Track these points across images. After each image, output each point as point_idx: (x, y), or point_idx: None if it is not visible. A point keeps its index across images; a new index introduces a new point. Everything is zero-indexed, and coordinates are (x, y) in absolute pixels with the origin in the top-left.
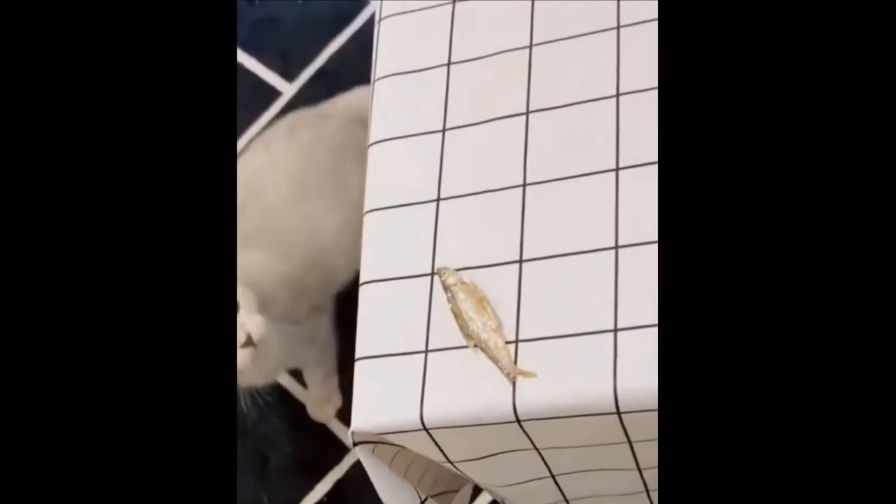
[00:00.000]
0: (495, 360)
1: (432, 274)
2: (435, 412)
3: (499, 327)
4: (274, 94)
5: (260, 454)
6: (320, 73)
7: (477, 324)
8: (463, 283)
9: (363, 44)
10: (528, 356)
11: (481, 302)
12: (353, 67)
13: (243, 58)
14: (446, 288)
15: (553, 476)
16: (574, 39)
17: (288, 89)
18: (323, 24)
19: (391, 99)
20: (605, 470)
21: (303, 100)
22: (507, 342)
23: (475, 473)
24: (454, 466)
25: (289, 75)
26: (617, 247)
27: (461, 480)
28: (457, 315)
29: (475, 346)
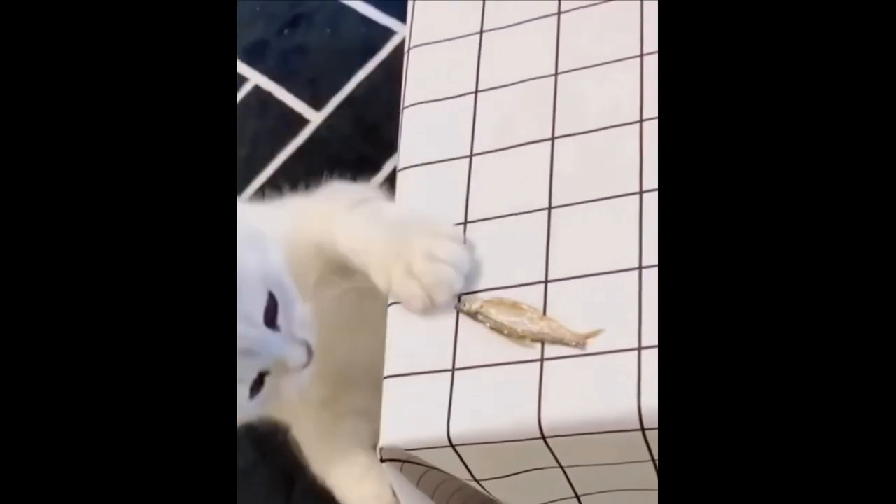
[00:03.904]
0: (560, 341)
1: (459, 295)
2: (461, 429)
3: (542, 315)
4: (302, 122)
5: (287, 477)
6: (348, 101)
7: (524, 323)
8: (487, 300)
9: (390, 72)
10: (553, 373)
11: (515, 304)
12: (381, 95)
13: (272, 87)
14: (473, 315)
15: (577, 496)
16: (598, 67)
17: (315, 117)
18: (350, 53)
19: (420, 126)
20: (630, 490)
21: (327, 128)
22: (534, 360)
23: (500, 492)
24: (480, 485)
25: (316, 104)
26: (641, 267)
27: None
28: (500, 328)
29: (532, 341)
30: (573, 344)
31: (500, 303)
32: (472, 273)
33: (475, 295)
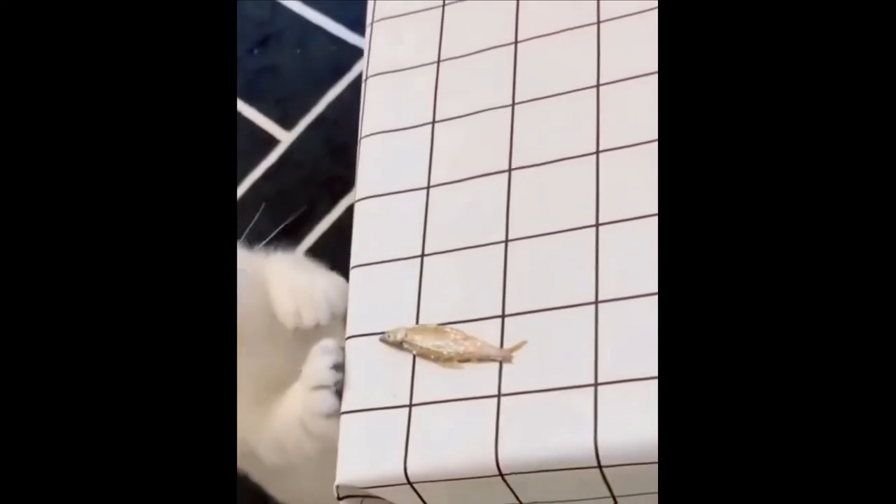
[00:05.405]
0: (486, 358)
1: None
2: (418, 466)
3: (467, 335)
4: (272, 142)
5: (261, 496)
6: (318, 121)
7: (447, 346)
8: (410, 329)
9: (360, 92)
10: (511, 410)
11: (438, 329)
12: (351, 115)
13: (242, 107)
14: (399, 345)
15: None
16: (555, 98)
17: (286, 137)
18: (320, 73)
19: (377, 157)
20: None
21: (298, 148)
22: (492, 396)
23: None
24: None
25: (286, 124)
26: (597, 301)
27: None
28: (427, 354)
29: (459, 362)
30: (499, 359)
31: (423, 330)
32: (429, 306)
33: (398, 326)
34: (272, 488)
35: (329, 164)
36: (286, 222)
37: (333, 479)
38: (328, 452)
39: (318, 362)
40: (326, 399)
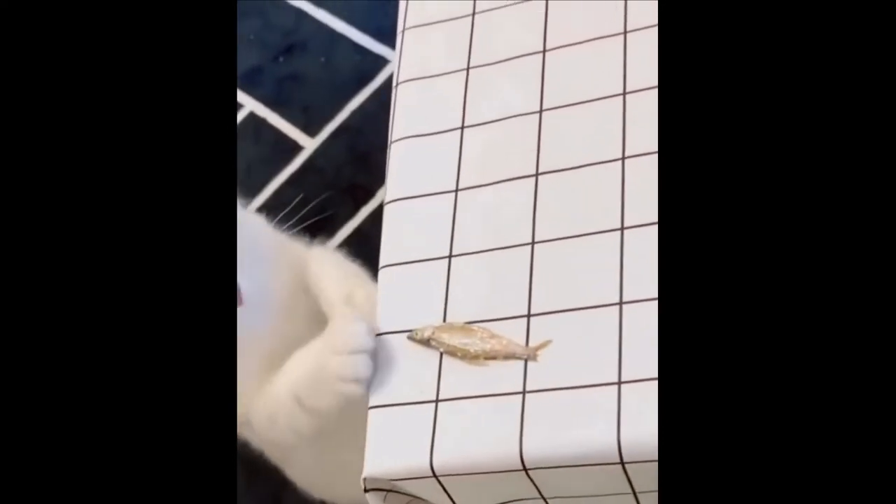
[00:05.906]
0: (511, 356)
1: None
2: (444, 460)
3: (493, 333)
4: (296, 148)
5: (274, 497)
6: (342, 128)
7: (475, 343)
8: (438, 327)
9: (383, 101)
10: (535, 407)
11: (465, 328)
12: (374, 123)
13: (266, 113)
14: (426, 343)
15: None
16: (582, 105)
17: (310, 144)
18: (344, 81)
19: (407, 160)
20: None
21: (321, 154)
22: (517, 392)
23: None
24: None
25: (310, 131)
26: (621, 303)
27: None
28: (453, 351)
29: (486, 359)
30: (525, 357)
31: (450, 328)
32: (456, 305)
33: (426, 324)
34: (278, 460)
35: (351, 171)
36: (309, 207)
37: (331, 463)
38: (325, 436)
39: (356, 327)
40: (364, 362)
